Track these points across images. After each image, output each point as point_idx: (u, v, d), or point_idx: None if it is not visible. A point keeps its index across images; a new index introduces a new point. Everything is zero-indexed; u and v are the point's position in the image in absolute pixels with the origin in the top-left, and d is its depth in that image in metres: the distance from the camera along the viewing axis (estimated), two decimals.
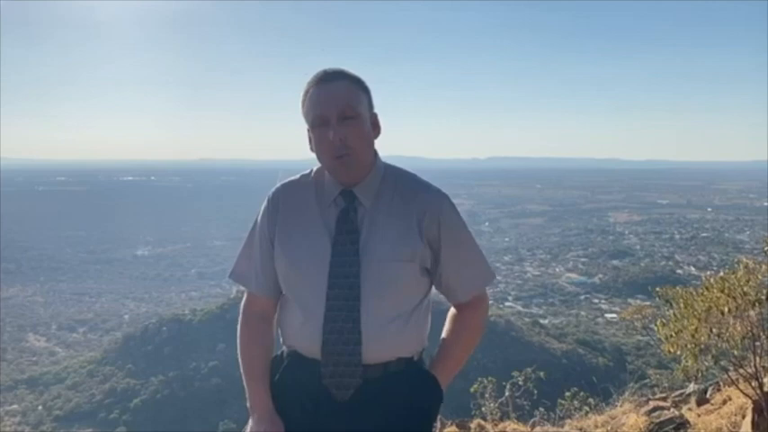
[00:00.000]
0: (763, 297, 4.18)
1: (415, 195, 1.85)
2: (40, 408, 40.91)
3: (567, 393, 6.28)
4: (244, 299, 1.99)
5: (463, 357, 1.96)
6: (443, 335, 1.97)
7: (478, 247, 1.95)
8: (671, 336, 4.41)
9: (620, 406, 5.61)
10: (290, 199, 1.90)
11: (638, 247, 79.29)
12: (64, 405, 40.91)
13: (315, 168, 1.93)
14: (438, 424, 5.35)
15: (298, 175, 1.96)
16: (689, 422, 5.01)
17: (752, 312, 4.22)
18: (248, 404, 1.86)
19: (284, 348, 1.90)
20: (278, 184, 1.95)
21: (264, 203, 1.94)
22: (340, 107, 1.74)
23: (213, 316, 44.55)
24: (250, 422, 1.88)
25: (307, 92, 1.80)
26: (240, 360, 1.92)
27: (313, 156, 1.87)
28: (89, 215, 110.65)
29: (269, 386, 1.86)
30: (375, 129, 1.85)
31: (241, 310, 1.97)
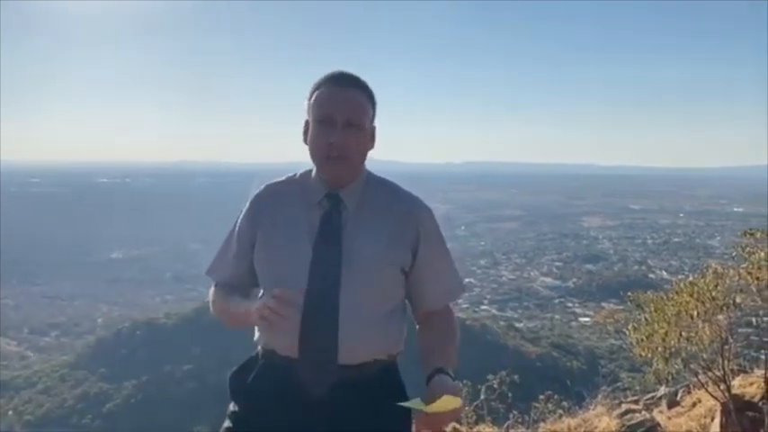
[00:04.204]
0: (732, 301, 4.27)
1: (398, 203, 1.91)
2: (10, 413, 40.12)
3: (541, 396, 6.33)
4: (211, 289, 2.02)
5: (456, 351, 1.89)
6: (426, 337, 1.92)
7: (453, 261, 2.00)
8: (642, 340, 4.50)
9: (593, 409, 5.67)
10: (273, 199, 1.93)
11: (611, 251, 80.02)
12: (35, 410, 40.18)
13: (300, 171, 1.97)
14: (413, 427, 5.39)
15: (283, 177, 1.99)
16: (660, 424, 5.10)
17: (720, 316, 4.31)
18: (244, 311, 1.79)
19: (259, 348, 1.91)
20: (261, 186, 1.98)
21: (248, 203, 1.97)
22: (349, 113, 1.79)
23: (188, 320, 44.12)
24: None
25: (319, 86, 1.84)
26: (220, 310, 1.94)
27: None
28: (62, 217, 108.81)
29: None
30: (371, 141, 1.90)
31: (210, 294, 2.02)
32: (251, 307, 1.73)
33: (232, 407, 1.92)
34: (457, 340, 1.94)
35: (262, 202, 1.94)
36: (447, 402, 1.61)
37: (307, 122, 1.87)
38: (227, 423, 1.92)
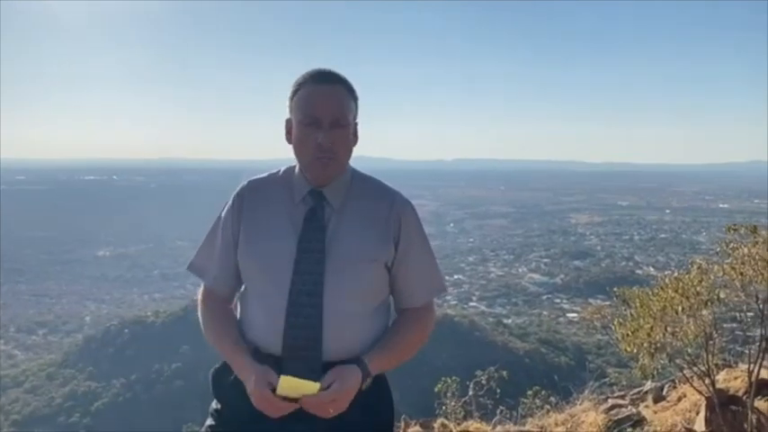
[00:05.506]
0: (716, 297, 4.30)
1: (381, 199, 1.91)
2: None
3: (529, 392, 6.36)
4: (200, 291, 2.00)
5: (405, 351, 1.90)
6: (390, 327, 1.93)
7: (435, 258, 1.99)
8: (628, 335, 4.51)
9: (580, 404, 5.70)
10: (257, 196, 1.92)
11: (598, 247, 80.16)
12: (22, 409, 39.95)
13: (284, 168, 1.96)
14: (402, 423, 5.41)
15: (266, 174, 1.98)
16: (645, 419, 5.14)
17: (705, 312, 4.33)
18: (239, 376, 1.80)
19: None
20: (245, 182, 1.97)
21: (231, 199, 1.95)
22: (334, 113, 1.78)
23: (176, 318, 43.94)
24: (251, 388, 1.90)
25: (300, 85, 1.82)
26: (213, 341, 1.91)
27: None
28: (49, 215, 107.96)
29: (245, 351, 1.82)
30: (354, 138, 1.89)
31: (200, 300, 1.99)
32: (249, 379, 1.74)
33: (215, 404, 1.92)
34: (416, 338, 1.93)
35: (245, 198, 1.93)
36: (295, 386, 1.67)
37: (288, 121, 1.86)
38: (209, 421, 1.92)
